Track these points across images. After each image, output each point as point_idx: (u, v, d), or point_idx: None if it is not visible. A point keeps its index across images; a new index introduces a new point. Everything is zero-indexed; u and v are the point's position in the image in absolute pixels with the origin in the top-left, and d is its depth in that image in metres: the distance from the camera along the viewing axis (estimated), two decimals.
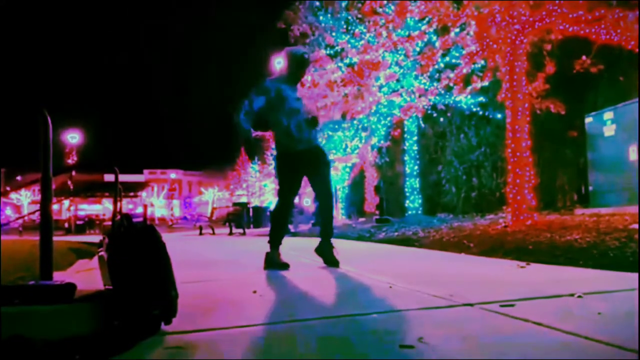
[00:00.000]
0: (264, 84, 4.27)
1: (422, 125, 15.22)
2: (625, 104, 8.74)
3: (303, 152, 4.17)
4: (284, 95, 4.17)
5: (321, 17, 14.19)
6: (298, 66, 4.32)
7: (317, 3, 14.24)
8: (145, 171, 75.71)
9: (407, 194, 15.57)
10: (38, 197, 2.85)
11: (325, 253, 4.25)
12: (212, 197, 67.14)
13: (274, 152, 4.40)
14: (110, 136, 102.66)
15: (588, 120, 9.66)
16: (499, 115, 11.67)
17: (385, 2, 10.50)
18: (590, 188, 9.69)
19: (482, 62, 9.67)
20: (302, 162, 4.18)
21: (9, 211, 56.01)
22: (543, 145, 11.00)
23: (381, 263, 4.59)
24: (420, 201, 15.46)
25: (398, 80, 13.70)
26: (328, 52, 14.12)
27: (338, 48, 14.00)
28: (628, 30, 6.41)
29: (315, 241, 4.51)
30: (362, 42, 13.29)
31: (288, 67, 4.33)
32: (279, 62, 17.22)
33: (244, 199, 33.69)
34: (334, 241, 4.34)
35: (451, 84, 10.97)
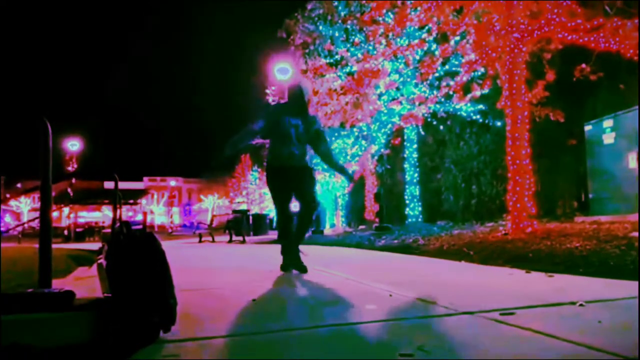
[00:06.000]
0: (268, 108, 4.89)
1: (422, 133, 15.24)
2: (625, 112, 8.75)
3: (289, 168, 4.52)
4: (281, 120, 4.56)
5: (321, 27, 14.26)
6: (295, 99, 4.65)
7: (319, 12, 14.31)
8: (145, 178, 75.70)
9: (407, 202, 15.56)
10: (38, 205, 2.85)
11: (294, 259, 4.53)
12: (212, 204, 67.06)
13: (265, 165, 4.84)
14: (110, 144, 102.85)
15: (587, 128, 9.67)
16: (499, 123, 11.68)
17: (384, 10, 10.55)
18: (590, 196, 9.68)
19: (482, 70, 9.71)
20: (288, 176, 4.52)
21: (8, 218, 56.00)
22: (543, 152, 11.00)
23: (381, 271, 4.58)
24: (420, 209, 15.45)
25: (398, 89, 13.74)
26: (328, 60, 14.18)
27: (338, 57, 14.06)
28: (627, 38, 6.43)
29: (316, 249, 4.55)
30: (362, 50, 13.35)
31: (288, 98, 4.74)
32: (278, 71, 17.27)
33: (243, 207, 33.65)
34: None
35: (451, 92, 11.00)
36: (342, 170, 5.09)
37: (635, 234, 5.17)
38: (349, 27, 13.76)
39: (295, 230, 4.65)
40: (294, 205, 4.78)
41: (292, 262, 4.54)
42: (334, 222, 21.69)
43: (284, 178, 4.53)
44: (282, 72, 17.13)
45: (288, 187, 4.57)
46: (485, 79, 9.65)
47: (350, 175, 5.02)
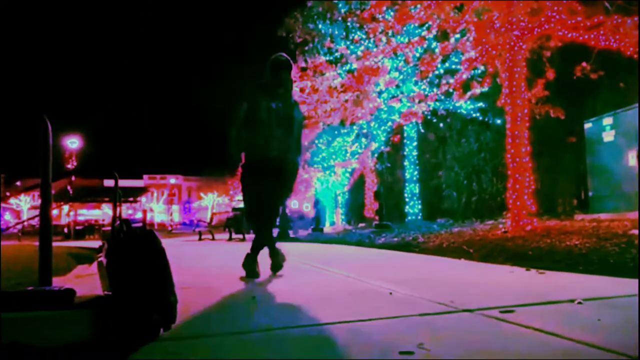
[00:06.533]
0: (242, 101, 4.25)
1: (422, 130, 15.24)
2: (625, 110, 8.75)
3: (266, 162, 4.08)
4: (257, 105, 4.13)
5: (320, 25, 14.24)
6: (271, 71, 4.20)
7: (319, 9, 14.29)
8: (145, 176, 75.61)
9: (407, 200, 15.57)
10: (37, 202, 2.85)
11: (249, 263, 4.15)
12: (212, 202, 67.05)
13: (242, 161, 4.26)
14: (109, 141, 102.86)
15: (587, 126, 9.67)
16: (499, 121, 11.69)
17: (384, 8, 10.54)
18: (590, 193, 9.68)
19: (482, 67, 9.70)
20: (264, 172, 4.08)
21: (8, 216, 56.01)
22: (543, 150, 11.01)
23: (381, 269, 4.58)
24: (419, 207, 15.46)
25: (398, 86, 13.74)
26: (328, 58, 14.17)
27: (338, 54, 14.04)
28: (627, 37, 6.43)
29: (316, 246, 4.56)
30: (362, 48, 13.34)
31: (271, 74, 4.22)
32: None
33: (243, 205, 33.58)
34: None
35: (451, 90, 10.99)
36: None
37: (635, 231, 5.17)
38: (348, 24, 13.75)
39: (255, 235, 4.33)
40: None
41: (246, 265, 4.14)
42: (334, 220, 21.71)
43: (259, 172, 4.08)
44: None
45: (262, 182, 4.07)
46: (485, 77, 9.64)
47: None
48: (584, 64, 7.68)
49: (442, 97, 12.65)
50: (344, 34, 13.98)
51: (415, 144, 15.54)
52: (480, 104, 12.64)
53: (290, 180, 4.28)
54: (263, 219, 4.22)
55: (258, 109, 4.12)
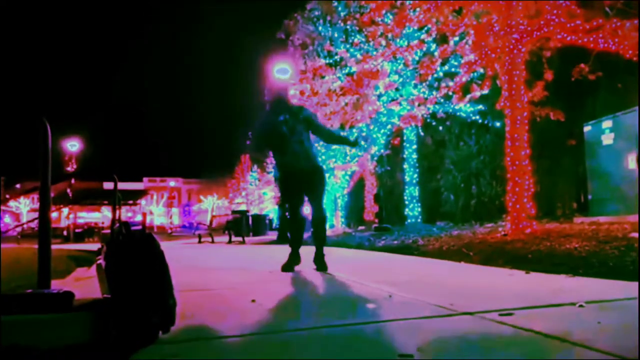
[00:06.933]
0: (258, 122, 5.07)
1: (422, 133, 15.24)
2: (624, 113, 8.75)
3: (298, 172, 4.65)
4: (271, 125, 4.73)
5: (320, 28, 14.27)
6: (277, 101, 4.92)
7: (317, 12, 14.33)
8: (145, 179, 75.62)
9: (407, 203, 15.56)
10: (37, 205, 2.85)
11: (318, 260, 4.70)
12: (212, 205, 67.04)
13: (276, 173, 5.20)
14: (109, 144, 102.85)
15: (587, 129, 9.66)
16: (498, 124, 11.69)
17: (384, 11, 10.55)
18: (590, 196, 9.68)
19: (481, 70, 9.71)
20: (298, 180, 4.67)
21: (7, 219, 55.93)
22: (542, 153, 11.01)
23: (381, 272, 4.58)
24: (419, 209, 15.45)
25: (397, 89, 13.74)
26: (327, 61, 14.18)
27: (337, 57, 14.06)
28: (626, 39, 6.43)
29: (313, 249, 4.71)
30: (361, 51, 13.36)
31: (270, 104, 5.12)
32: (277, 71, 17.28)
33: (243, 207, 33.62)
34: (325, 249, 4.82)
35: (450, 93, 11.00)
36: (346, 141, 5.40)
37: (635, 234, 5.17)
38: (348, 27, 13.77)
39: (313, 235, 4.89)
40: (306, 209, 4.95)
41: (316, 264, 4.67)
42: (334, 222, 21.69)
43: (294, 181, 4.68)
44: (281, 73, 17.13)
45: (299, 190, 4.73)
46: (484, 80, 9.64)
47: (354, 141, 5.27)
48: (582, 65, 7.69)
49: (442, 100, 12.65)
50: (344, 37, 14.00)
51: (414, 147, 15.54)
52: (480, 107, 12.64)
53: (318, 184, 4.77)
54: (316, 220, 4.77)
55: (274, 130, 4.66)
